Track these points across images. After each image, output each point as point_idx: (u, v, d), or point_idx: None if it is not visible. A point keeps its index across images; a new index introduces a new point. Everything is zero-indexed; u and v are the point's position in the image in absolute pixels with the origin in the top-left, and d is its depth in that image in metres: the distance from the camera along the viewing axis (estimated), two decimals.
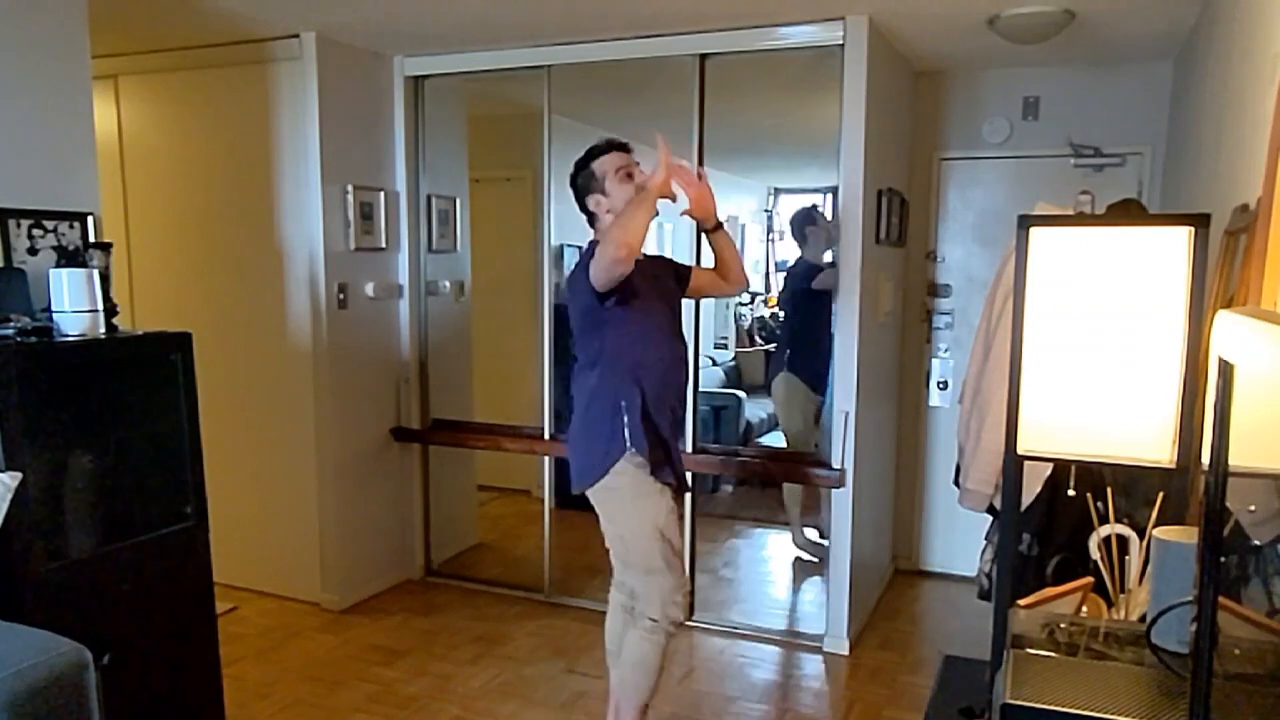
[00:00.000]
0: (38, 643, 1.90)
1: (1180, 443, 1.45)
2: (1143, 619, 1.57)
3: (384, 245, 4.07)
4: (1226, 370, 1.02)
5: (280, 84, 3.78)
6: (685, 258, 3.76)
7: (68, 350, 2.36)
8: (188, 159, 4.03)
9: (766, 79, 4.15)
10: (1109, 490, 1.95)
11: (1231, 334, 0.99)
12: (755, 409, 5.95)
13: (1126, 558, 1.85)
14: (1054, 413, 1.53)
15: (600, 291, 2.46)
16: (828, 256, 4.31)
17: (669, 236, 5.29)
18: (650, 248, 2.69)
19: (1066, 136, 4.03)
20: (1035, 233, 1.51)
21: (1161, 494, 1.81)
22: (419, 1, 3.26)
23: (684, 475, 2.75)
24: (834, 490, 3.54)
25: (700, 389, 3.82)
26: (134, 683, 2.45)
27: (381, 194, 4.04)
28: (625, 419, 2.52)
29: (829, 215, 3.83)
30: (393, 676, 3.36)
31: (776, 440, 4.58)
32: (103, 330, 2.47)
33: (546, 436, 4.04)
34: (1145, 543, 1.78)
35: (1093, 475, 2.07)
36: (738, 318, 7.33)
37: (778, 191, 7.47)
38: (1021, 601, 1.79)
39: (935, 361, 4.39)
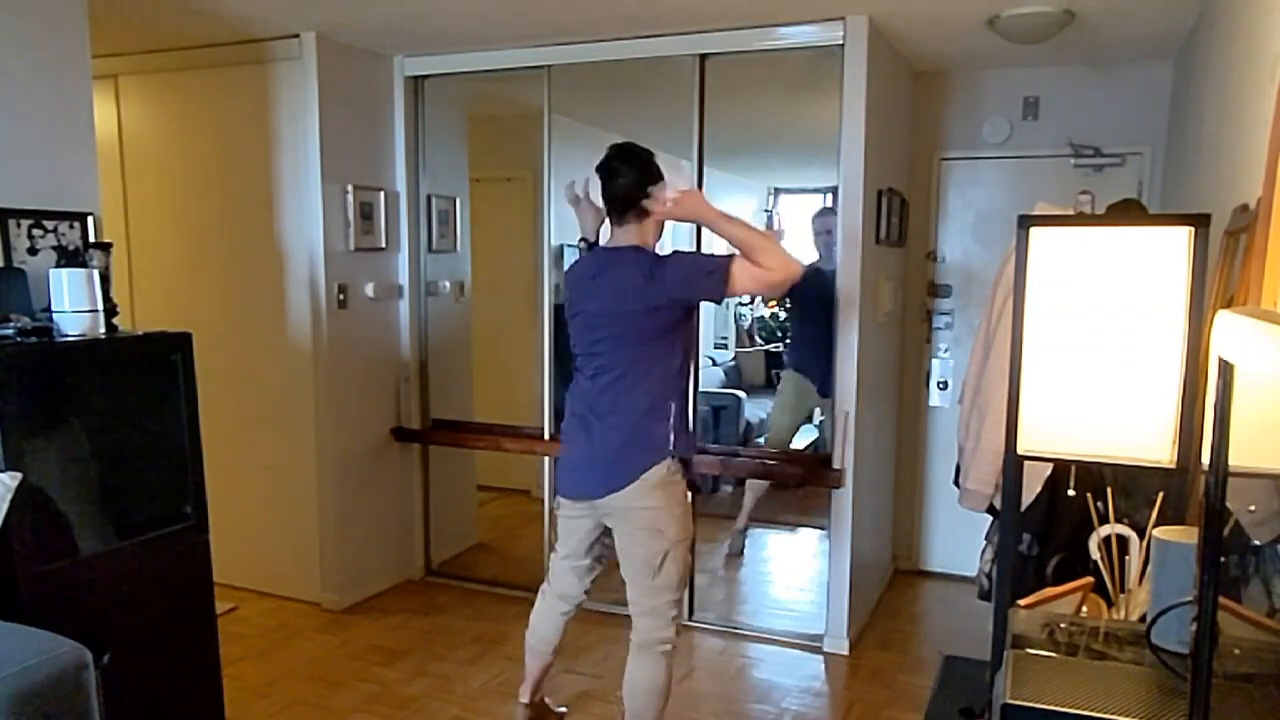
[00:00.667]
0: (38, 643, 1.90)
1: (1180, 443, 1.45)
2: (1143, 619, 1.57)
3: (384, 245, 4.07)
4: (1226, 370, 1.02)
5: (280, 84, 3.78)
6: (685, 246, 3.77)
7: (68, 350, 2.37)
8: (188, 159, 4.03)
9: (766, 79, 4.15)
10: (1109, 490, 1.95)
11: (1231, 334, 0.99)
12: (755, 409, 5.95)
13: (1126, 558, 1.85)
14: (1054, 413, 1.53)
15: (715, 300, 2.54)
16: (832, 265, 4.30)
17: (669, 234, 5.29)
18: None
19: (1066, 136, 4.03)
20: (1035, 233, 1.51)
21: (1161, 494, 1.81)
22: (419, 1, 3.26)
23: (696, 480, 2.81)
24: (834, 490, 3.54)
25: (700, 389, 3.82)
26: (134, 683, 2.45)
27: (381, 194, 4.04)
28: (672, 423, 2.56)
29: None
30: (393, 676, 3.36)
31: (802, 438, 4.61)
32: (103, 330, 2.48)
33: (546, 436, 4.04)
34: (1145, 543, 1.78)
35: (1093, 475, 2.07)
36: (738, 318, 7.33)
37: (778, 191, 7.46)
38: (1021, 601, 1.79)
39: (935, 361, 4.39)
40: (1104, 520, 1.89)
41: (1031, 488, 2.40)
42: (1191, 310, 1.43)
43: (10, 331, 2.28)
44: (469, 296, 4.64)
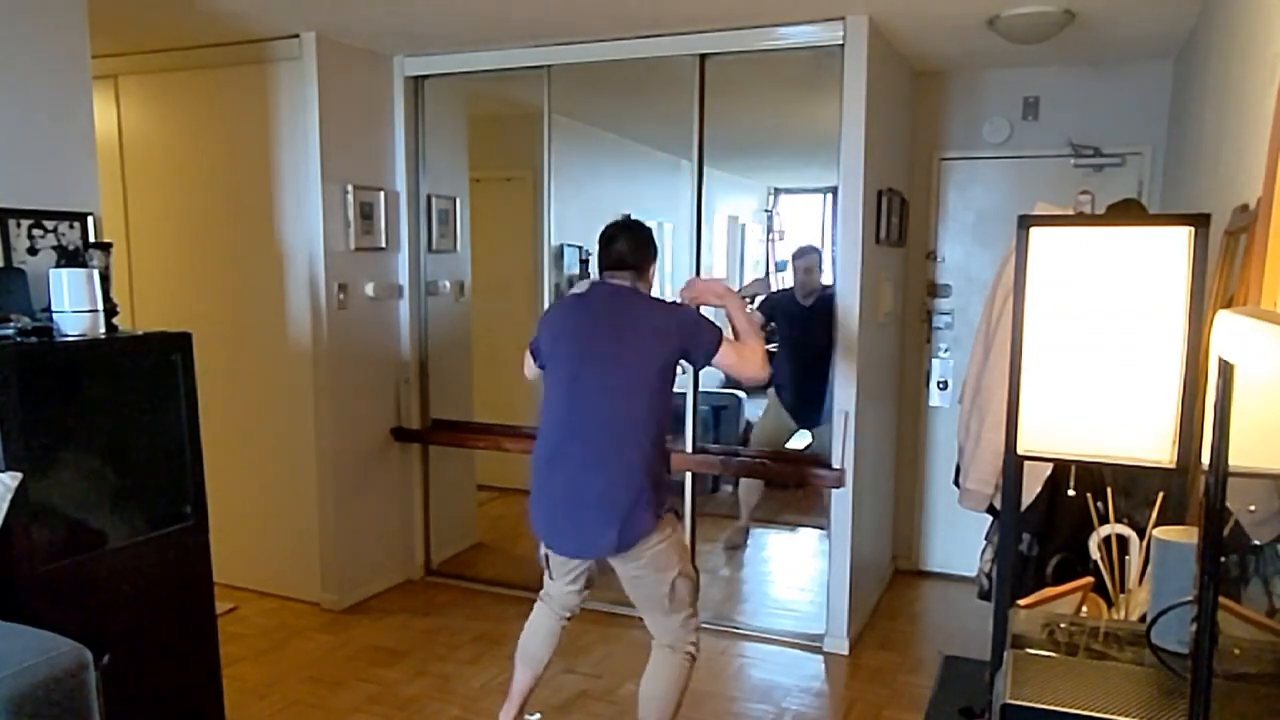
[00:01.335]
0: (38, 643, 1.90)
1: (1180, 443, 1.45)
2: (1143, 619, 1.57)
3: (384, 245, 4.07)
4: (1226, 370, 1.02)
5: (280, 84, 3.78)
6: (685, 259, 3.78)
7: (68, 350, 2.37)
8: (188, 159, 4.03)
9: (766, 79, 4.15)
10: (1109, 490, 1.95)
11: (1231, 334, 0.99)
12: (755, 409, 5.94)
13: (1126, 558, 1.85)
14: (1054, 413, 1.53)
15: (696, 364, 2.63)
16: (809, 302, 4.33)
17: (669, 235, 5.29)
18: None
19: (1066, 136, 4.03)
20: (1035, 233, 1.51)
21: (1161, 494, 1.81)
22: (419, 1, 3.26)
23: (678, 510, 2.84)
24: (834, 490, 3.54)
25: (700, 389, 3.82)
26: (134, 683, 2.45)
27: (381, 194, 4.04)
28: (666, 480, 2.62)
29: (829, 230, 3.84)
30: (393, 677, 3.36)
31: (794, 441, 4.62)
32: (103, 330, 2.48)
33: None
34: (1145, 543, 1.78)
35: (1093, 475, 2.07)
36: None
37: (778, 191, 7.46)
38: (1021, 601, 1.79)
39: (935, 361, 4.39)
40: (1104, 520, 1.89)
41: (1031, 488, 2.40)
42: (1191, 310, 1.43)
43: (10, 331, 2.28)
44: (469, 296, 4.64)
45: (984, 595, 2.70)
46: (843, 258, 3.49)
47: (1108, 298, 1.48)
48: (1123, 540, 1.86)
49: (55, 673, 1.84)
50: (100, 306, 2.45)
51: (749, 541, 4.90)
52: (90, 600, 2.37)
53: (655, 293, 2.75)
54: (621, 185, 5.40)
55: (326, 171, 3.75)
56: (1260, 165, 1.77)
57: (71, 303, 2.39)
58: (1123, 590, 1.85)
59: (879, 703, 3.23)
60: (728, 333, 2.64)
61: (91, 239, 2.75)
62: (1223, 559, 1.22)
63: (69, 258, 2.66)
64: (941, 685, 2.89)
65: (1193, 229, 1.43)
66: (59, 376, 2.33)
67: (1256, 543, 1.41)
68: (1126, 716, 1.22)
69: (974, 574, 3.06)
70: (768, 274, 7.57)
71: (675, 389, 2.62)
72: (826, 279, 4.33)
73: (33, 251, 2.62)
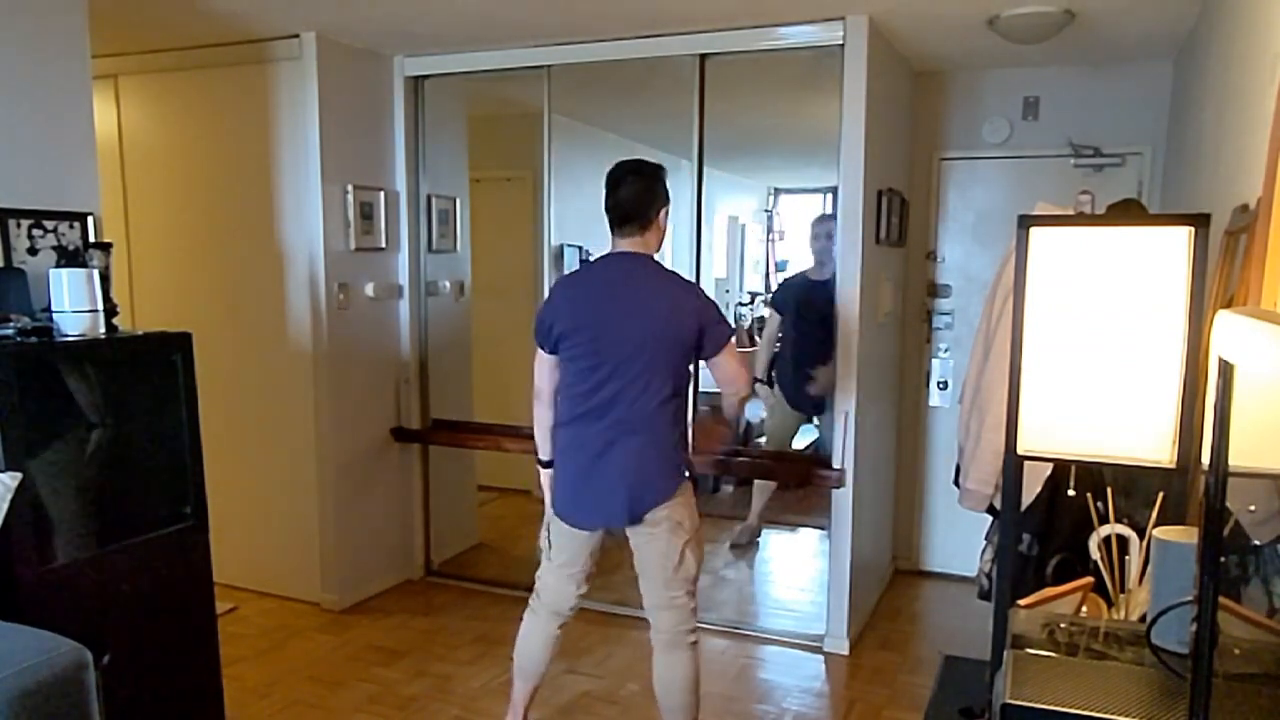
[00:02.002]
0: (38, 643, 1.90)
1: (1180, 443, 1.45)
2: (1143, 619, 1.57)
3: (384, 245, 4.07)
4: (1226, 370, 1.02)
5: (280, 84, 3.78)
6: (685, 259, 3.77)
7: (67, 350, 2.36)
8: (188, 159, 4.03)
9: (766, 79, 4.15)
10: (1109, 490, 1.95)
11: (1231, 334, 0.99)
12: (755, 409, 5.95)
13: (1126, 558, 1.85)
14: (1054, 413, 1.53)
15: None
16: (825, 275, 4.30)
17: (668, 236, 5.29)
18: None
19: (1066, 136, 4.03)
20: (1035, 233, 1.51)
21: (1161, 494, 1.81)
22: (419, 1, 3.26)
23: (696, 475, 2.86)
24: (834, 490, 3.54)
25: (701, 389, 3.82)
26: (134, 683, 2.45)
27: (381, 194, 4.04)
28: (689, 446, 2.68)
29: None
30: (393, 677, 3.36)
31: (802, 437, 4.63)
32: (103, 330, 2.47)
33: None
34: (1145, 543, 1.78)
35: (1093, 475, 2.07)
36: (737, 318, 7.33)
37: (778, 191, 7.47)
38: (1021, 601, 1.79)
39: (935, 361, 4.39)
40: (1104, 520, 1.89)
41: (1031, 488, 2.40)
42: (1191, 310, 1.43)
43: (10, 331, 2.28)
44: (469, 296, 4.64)
45: (984, 595, 2.70)
46: (843, 258, 3.49)
47: (1108, 298, 1.48)
48: (1123, 540, 1.86)
49: (55, 673, 1.84)
50: (100, 306, 2.45)
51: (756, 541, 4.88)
52: (90, 600, 2.37)
53: (667, 248, 2.73)
54: None
55: (326, 171, 3.75)
56: (1260, 165, 1.77)
57: (71, 303, 2.39)
58: (1123, 590, 1.85)
59: (879, 703, 3.23)
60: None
61: (91, 239, 2.75)
62: (1223, 559, 1.22)
63: (69, 258, 2.66)
64: (941, 685, 2.89)
65: (1193, 229, 1.43)
66: (59, 377, 2.33)
67: (1256, 543, 1.41)
68: (1126, 716, 1.22)
69: (974, 574, 3.06)
70: (767, 274, 7.57)
71: None
72: None
73: (33, 251, 2.62)
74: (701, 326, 2.51)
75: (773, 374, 4.65)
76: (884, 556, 4.35)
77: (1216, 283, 2.06)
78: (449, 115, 4.40)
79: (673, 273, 2.67)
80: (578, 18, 3.41)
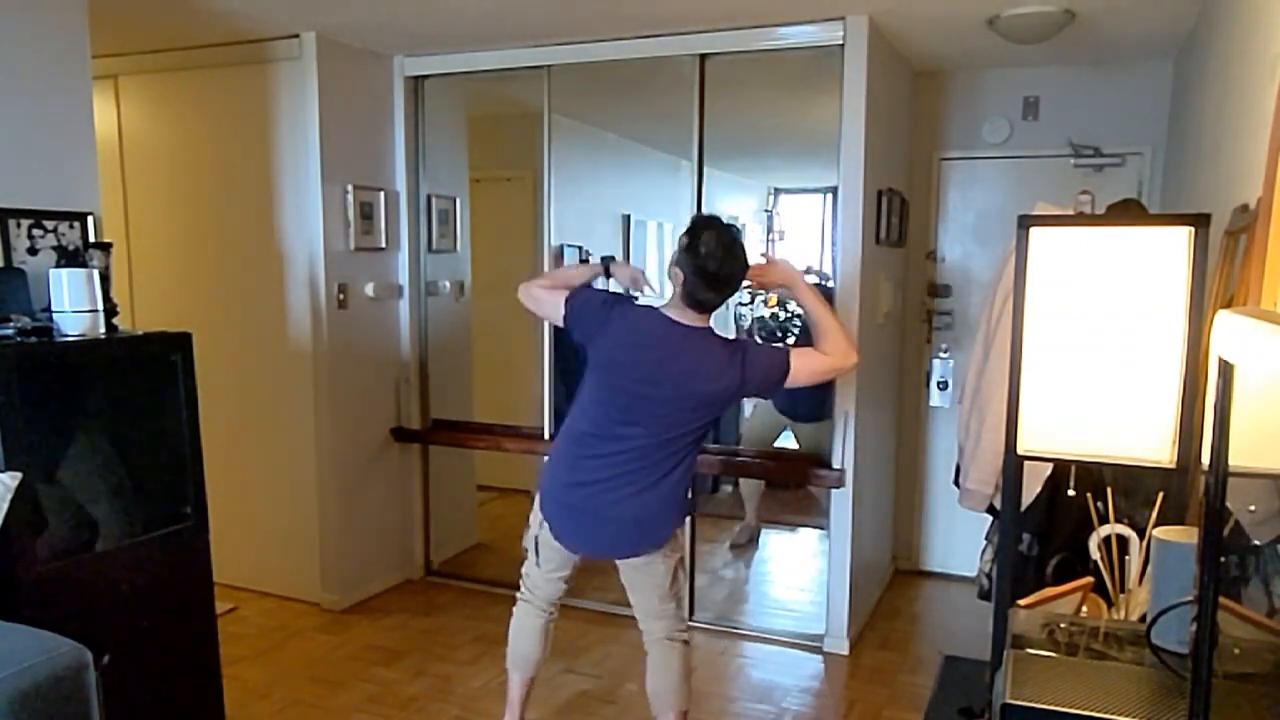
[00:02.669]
0: (38, 643, 1.90)
1: (1180, 443, 1.46)
2: (1143, 619, 1.57)
3: (384, 245, 4.07)
4: (1226, 370, 1.02)
5: (280, 84, 3.78)
6: None
7: (67, 350, 2.36)
8: (188, 159, 4.03)
9: (766, 79, 4.15)
10: (1109, 490, 1.95)
11: (1231, 334, 0.99)
12: (750, 406, 5.95)
13: (1126, 558, 1.85)
14: (1054, 413, 1.53)
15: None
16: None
17: (669, 235, 5.29)
18: (650, 250, 2.70)
19: (1066, 136, 4.03)
20: (1035, 233, 1.51)
21: (1161, 494, 1.81)
22: (419, 1, 3.26)
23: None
24: (834, 490, 3.54)
25: None
26: (134, 683, 2.45)
27: (381, 194, 4.03)
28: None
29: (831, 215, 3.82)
30: (393, 677, 3.36)
31: (784, 440, 4.61)
32: (103, 330, 2.47)
33: (546, 436, 4.03)
34: (1145, 543, 1.78)
35: (1093, 475, 2.07)
36: (738, 318, 7.33)
37: (778, 191, 7.46)
38: (1021, 601, 1.79)
39: (935, 361, 4.38)
40: (1104, 520, 1.89)
41: (1031, 488, 2.40)
42: (1191, 310, 1.43)
43: (10, 331, 2.28)
44: (469, 296, 4.64)
45: (984, 595, 2.70)
46: (843, 258, 3.49)
47: (1108, 298, 1.48)
48: (1123, 540, 1.86)
49: (55, 673, 1.83)
50: (100, 306, 2.45)
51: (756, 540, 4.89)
52: (90, 600, 2.37)
53: (667, 248, 2.69)
54: (621, 185, 5.40)
55: (326, 171, 3.75)
56: (1260, 165, 1.77)
57: (71, 303, 2.39)
58: (1123, 590, 1.85)
59: (879, 703, 3.23)
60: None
61: (91, 239, 2.75)
62: (1223, 559, 1.22)
63: (69, 258, 2.66)
64: (941, 685, 2.89)
65: (1193, 229, 1.43)
66: (59, 377, 2.33)
67: (1256, 543, 1.41)
68: (1126, 716, 1.22)
69: (974, 574, 3.06)
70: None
71: None
72: None
73: (33, 251, 2.62)
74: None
75: None
76: (884, 556, 4.35)
77: (1216, 283, 2.06)
78: (449, 115, 4.40)
79: (724, 344, 2.46)
80: (578, 18, 3.41)
